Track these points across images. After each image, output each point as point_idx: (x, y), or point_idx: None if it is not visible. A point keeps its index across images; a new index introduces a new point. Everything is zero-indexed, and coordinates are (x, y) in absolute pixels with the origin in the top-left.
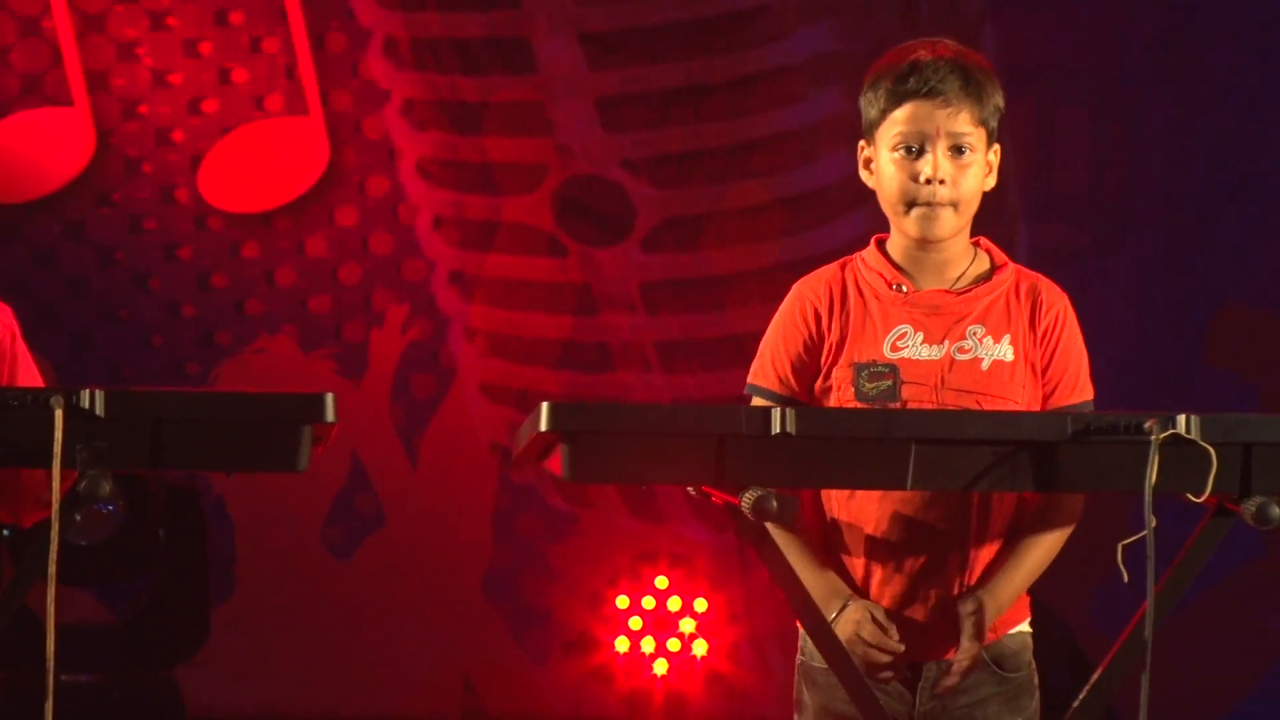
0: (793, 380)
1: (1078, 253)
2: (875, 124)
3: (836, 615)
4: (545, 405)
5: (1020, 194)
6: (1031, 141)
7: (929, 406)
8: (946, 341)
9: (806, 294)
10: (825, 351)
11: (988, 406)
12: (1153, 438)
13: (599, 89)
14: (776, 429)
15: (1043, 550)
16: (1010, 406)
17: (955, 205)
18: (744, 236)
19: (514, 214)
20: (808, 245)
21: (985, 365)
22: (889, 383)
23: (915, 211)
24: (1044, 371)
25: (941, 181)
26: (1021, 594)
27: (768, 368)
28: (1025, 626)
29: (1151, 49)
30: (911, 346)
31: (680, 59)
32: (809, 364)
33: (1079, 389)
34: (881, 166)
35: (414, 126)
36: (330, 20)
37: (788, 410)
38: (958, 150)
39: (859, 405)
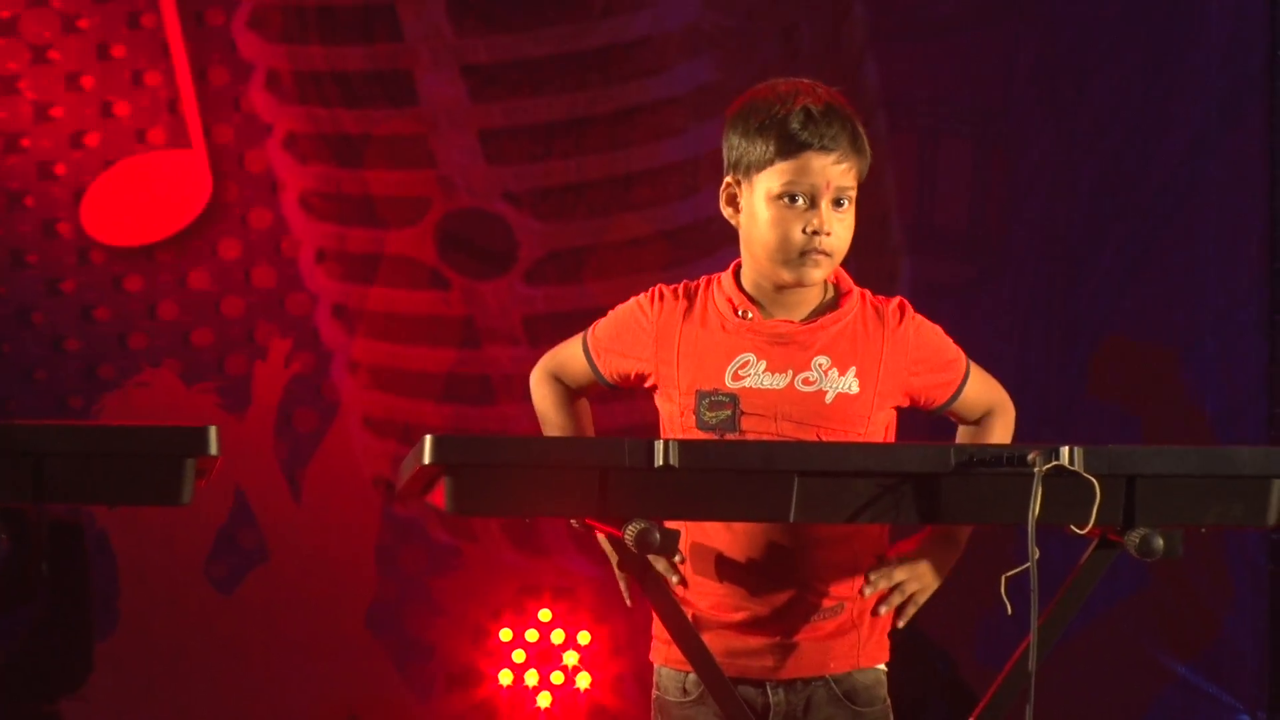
0: (602, 363)
1: (960, 286)
2: (755, 167)
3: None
4: (428, 438)
5: (902, 227)
6: (913, 174)
7: (768, 438)
8: (790, 372)
9: (651, 309)
10: (659, 373)
11: (828, 439)
12: (1036, 470)
13: (481, 122)
14: (659, 461)
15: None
16: (853, 440)
17: (833, 255)
18: (626, 269)
19: (397, 247)
20: (688, 278)
21: (829, 398)
22: (728, 412)
23: (799, 260)
24: (923, 384)
25: (827, 234)
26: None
27: (599, 333)
28: (882, 665)
29: (1033, 81)
30: (754, 375)
31: (562, 91)
32: (620, 364)
33: (957, 368)
34: (757, 210)
35: (296, 159)
36: (212, 54)
37: (670, 443)
38: (839, 202)
39: (700, 434)
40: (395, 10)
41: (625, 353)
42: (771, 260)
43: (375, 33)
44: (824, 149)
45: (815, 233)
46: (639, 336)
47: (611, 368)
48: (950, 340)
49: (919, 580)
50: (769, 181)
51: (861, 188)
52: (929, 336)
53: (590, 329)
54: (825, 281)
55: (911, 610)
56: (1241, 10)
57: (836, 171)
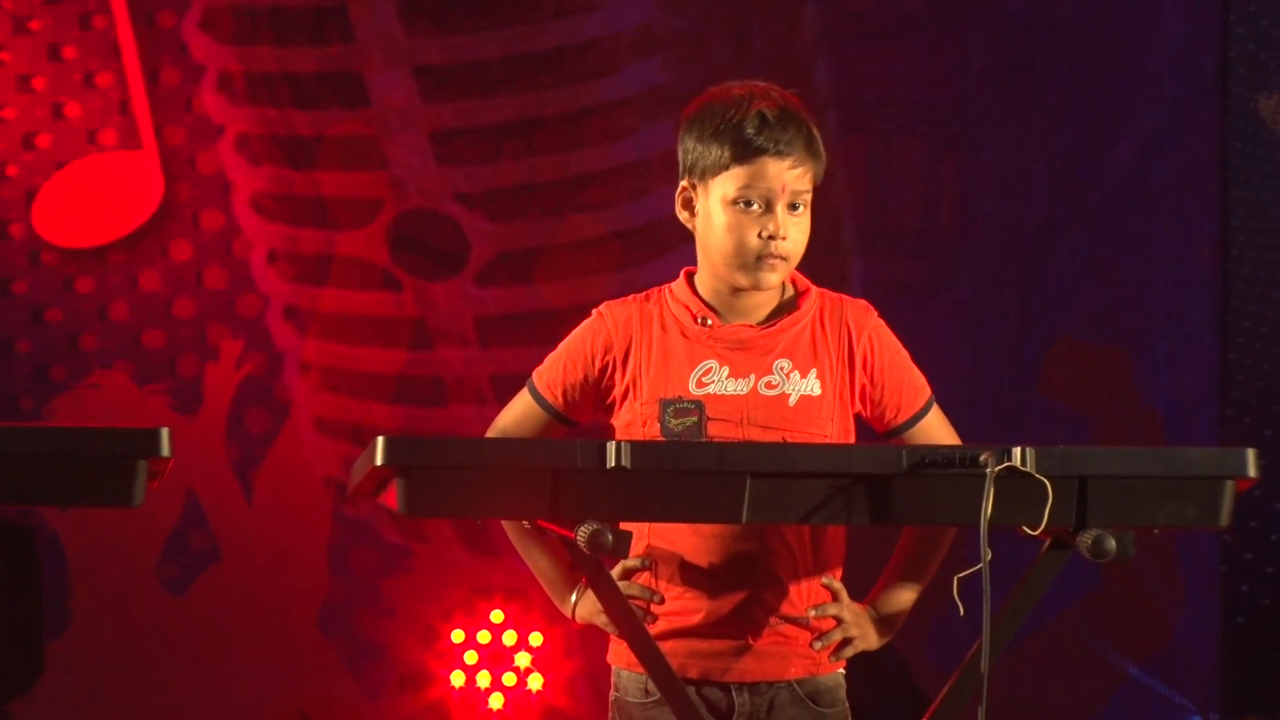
0: (560, 398)
1: (912, 286)
2: (711, 171)
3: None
4: (380, 440)
5: (854, 228)
6: (865, 175)
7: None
8: (753, 376)
9: (606, 324)
10: (621, 387)
11: (793, 442)
12: (988, 470)
13: (432, 123)
14: (611, 463)
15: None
16: (818, 441)
17: (789, 260)
18: (577, 270)
19: (348, 248)
20: (641, 279)
21: (793, 401)
22: (694, 419)
23: (757, 264)
24: (868, 396)
25: (783, 238)
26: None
27: (545, 375)
28: (841, 670)
29: (986, 83)
30: (717, 382)
31: (513, 93)
32: (581, 392)
33: (918, 394)
34: (712, 214)
35: (248, 161)
36: (164, 55)
37: (622, 444)
38: (794, 206)
39: (658, 441)
40: (346, 11)
41: (585, 372)
42: (728, 265)
43: (326, 34)
44: (779, 154)
45: (771, 237)
46: (596, 352)
47: (570, 397)
48: (917, 368)
49: (859, 629)
50: (724, 186)
51: (815, 189)
52: (891, 343)
53: (531, 380)
54: (782, 283)
55: (848, 652)
56: (1194, 13)
57: (792, 176)
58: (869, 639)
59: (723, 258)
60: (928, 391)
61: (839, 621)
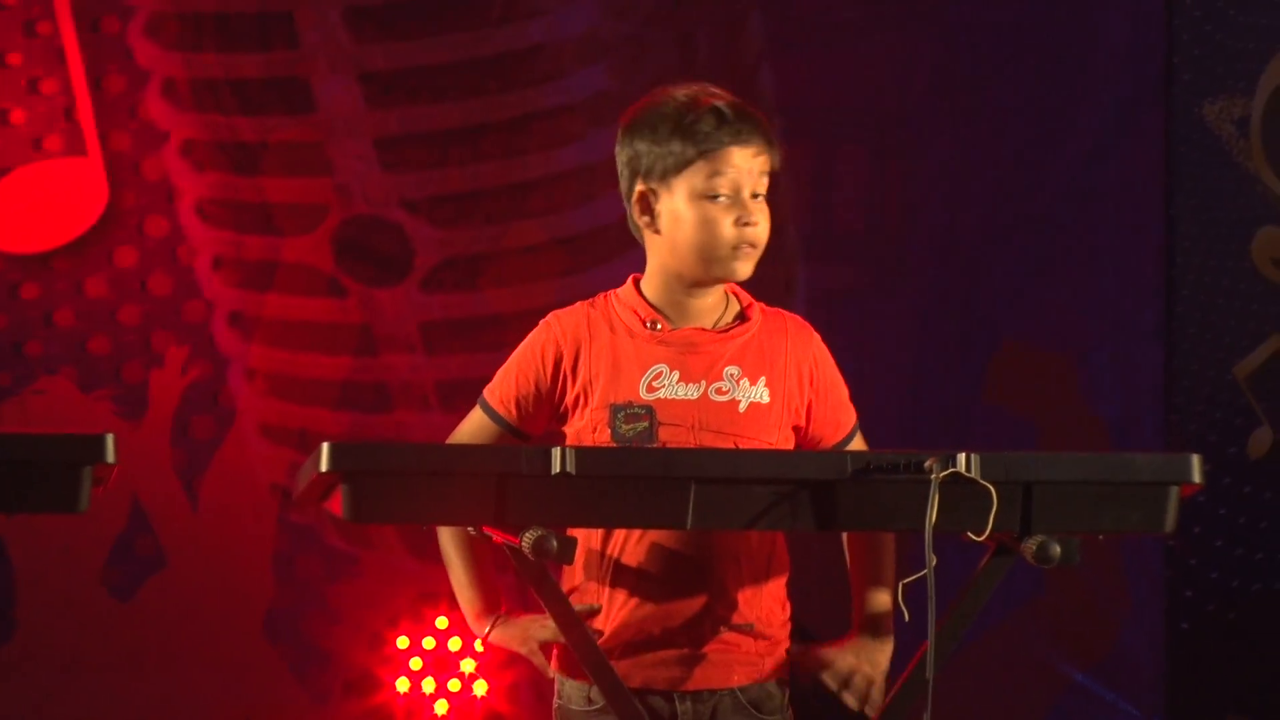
0: (514, 410)
1: (856, 292)
2: (673, 170)
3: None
4: (326, 445)
5: (799, 234)
6: (810, 181)
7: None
8: (704, 381)
9: (554, 334)
10: (573, 394)
11: (744, 448)
12: (933, 476)
13: (378, 129)
14: (556, 468)
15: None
16: (767, 448)
17: (759, 248)
18: (522, 276)
19: (293, 254)
20: (586, 285)
21: (743, 407)
22: (645, 424)
23: (735, 254)
24: (811, 412)
25: (754, 224)
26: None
27: (500, 390)
28: (785, 677)
29: (930, 88)
30: (668, 386)
31: (458, 99)
32: (535, 402)
33: (849, 418)
34: (680, 212)
35: (193, 167)
36: (109, 62)
37: (568, 450)
38: (757, 195)
39: (603, 447)
40: (292, 18)
41: (538, 382)
42: (702, 259)
43: (272, 40)
44: (742, 143)
45: (746, 224)
46: (547, 361)
47: (524, 409)
48: (846, 391)
49: (868, 661)
50: (691, 181)
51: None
52: (831, 364)
53: (482, 396)
54: (726, 294)
55: (875, 693)
56: (1139, 19)
57: (756, 164)
58: (877, 661)
59: (696, 253)
60: (855, 417)
61: (851, 674)
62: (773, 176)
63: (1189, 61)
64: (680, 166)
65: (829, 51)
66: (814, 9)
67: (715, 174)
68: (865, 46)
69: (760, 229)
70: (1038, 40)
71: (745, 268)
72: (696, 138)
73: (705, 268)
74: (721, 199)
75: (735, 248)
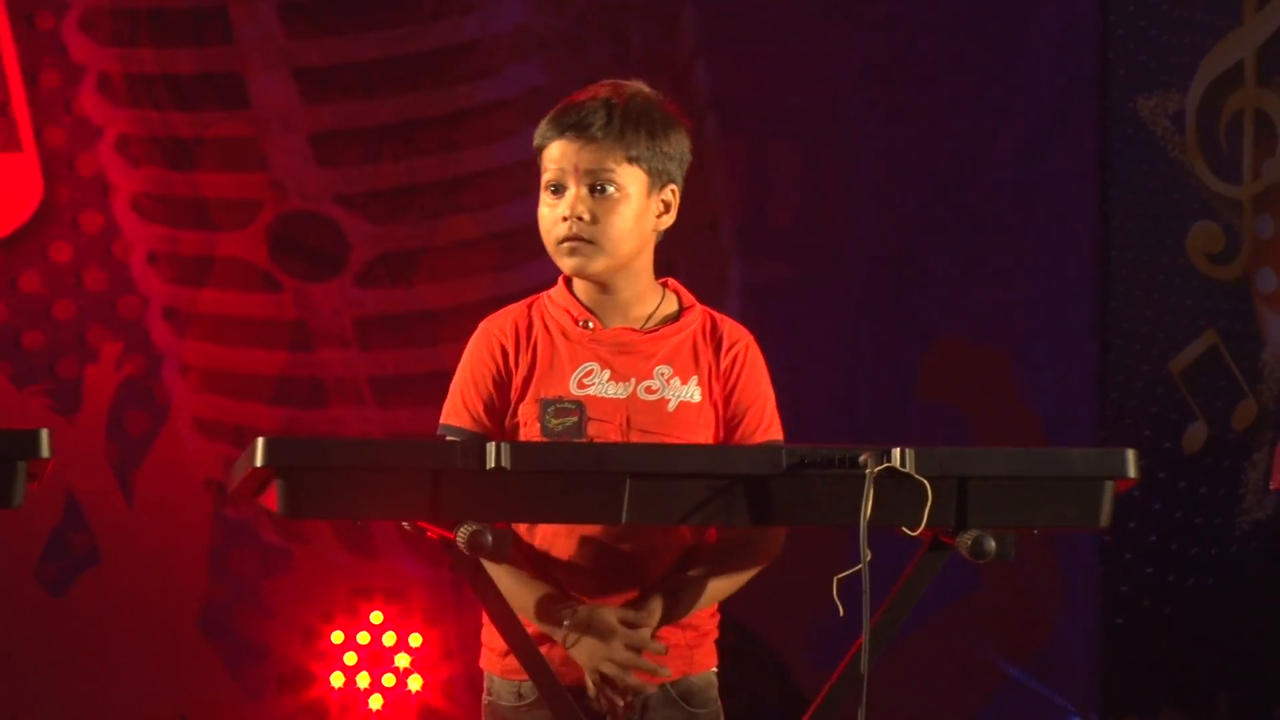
0: (485, 418)
1: (791, 287)
2: (536, 165)
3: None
4: (260, 440)
5: (733, 230)
6: (744, 177)
7: None
8: (633, 380)
9: (493, 331)
10: (513, 388)
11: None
12: (868, 471)
13: (312, 124)
14: (491, 463)
15: (730, 584)
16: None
17: (597, 242)
18: (457, 271)
19: (228, 249)
20: (520, 280)
21: (672, 406)
22: (574, 419)
23: (561, 249)
24: (726, 408)
25: (580, 218)
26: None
27: (460, 406)
28: (713, 668)
29: (864, 84)
30: (598, 384)
31: (393, 94)
32: (499, 400)
33: (766, 427)
34: (539, 205)
35: (128, 162)
36: (43, 57)
37: (502, 445)
38: (600, 188)
39: (538, 441)
40: (227, 13)
41: (495, 380)
42: (550, 254)
43: (206, 35)
44: (572, 135)
45: (565, 219)
46: (496, 358)
47: (491, 414)
48: (776, 409)
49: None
50: (541, 176)
51: (688, 189)
52: (759, 368)
53: (444, 425)
54: (662, 289)
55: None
56: (1073, 14)
57: (585, 155)
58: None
59: (546, 247)
60: (779, 433)
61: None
62: (655, 173)
63: (1123, 57)
64: (536, 162)
65: (763, 47)
66: (748, 5)
67: (544, 169)
68: (799, 42)
69: (595, 226)
70: (972, 36)
71: (572, 262)
72: (536, 134)
73: (555, 262)
74: (547, 193)
75: (560, 242)
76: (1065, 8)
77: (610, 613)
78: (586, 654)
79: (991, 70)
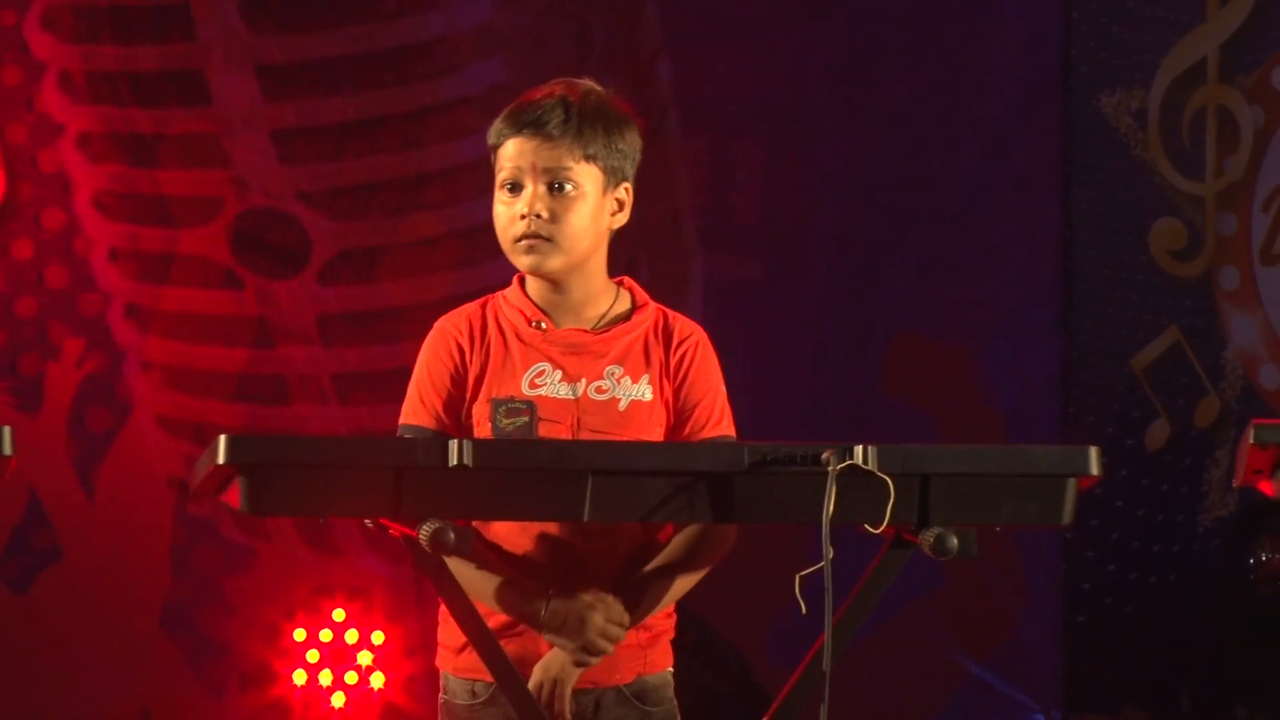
0: (444, 415)
1: (753, 285)
2: (493, 164)
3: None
4: (223, 438)
5: (695, 227)
6: (707, 174)
7: None
8: (584, 381)
9: (448, 329)
10: (467, 386)
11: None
12: (830, 468)
13: (274, 121)
14: (453, 461)
15: (682, 584)
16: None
17: (554, 240)
18: (419, 269)
19: (190, 247)
20: (482, 277)
21: (623, 405)
22: (526, 419)
23: (517, 247)
24: (676, 403)
25: (538, 216)
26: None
27: (419, 405)
28: (668, 668)
29: (827, 81)
30: (549, 385)
31: (356, 91)
32: (458, 397)
33: (715, 422)
34: (494, 204)
35: (90, 159)
36: (4, 54)
37: (464, 442)
38: (558, 186)
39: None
40: (189, 10)
41: (453, 376)
42: (506, 252)
43: (168, 33)
44: (529, 134)
45: (522, 216)
46: (453, 354)
47: (450, 411)
48: (729, 405)
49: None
50: (496, 172)
51: (651, 187)
52: (710, 363)
53: (404, 425)
54: (616, 288)
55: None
56: (1036, 12)
57: (542, 153)
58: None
59: (501, 245)
60: (730, 429)
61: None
62: (610, 171)
63: (1086, 54)
64: (492, 162)
65: (726, 44)
66: (711, 2)
67: (500, 167)
68: (762, 39)
69: (554, 225)
70: (935, 33)
71: (529, 260)
72: (491, 133)
73: (512, 261)
74: (504, 191)
75: (517, 240)
76: (1028, 5)
77: (586, 594)
78: (565, 634)
79: (954, 67)
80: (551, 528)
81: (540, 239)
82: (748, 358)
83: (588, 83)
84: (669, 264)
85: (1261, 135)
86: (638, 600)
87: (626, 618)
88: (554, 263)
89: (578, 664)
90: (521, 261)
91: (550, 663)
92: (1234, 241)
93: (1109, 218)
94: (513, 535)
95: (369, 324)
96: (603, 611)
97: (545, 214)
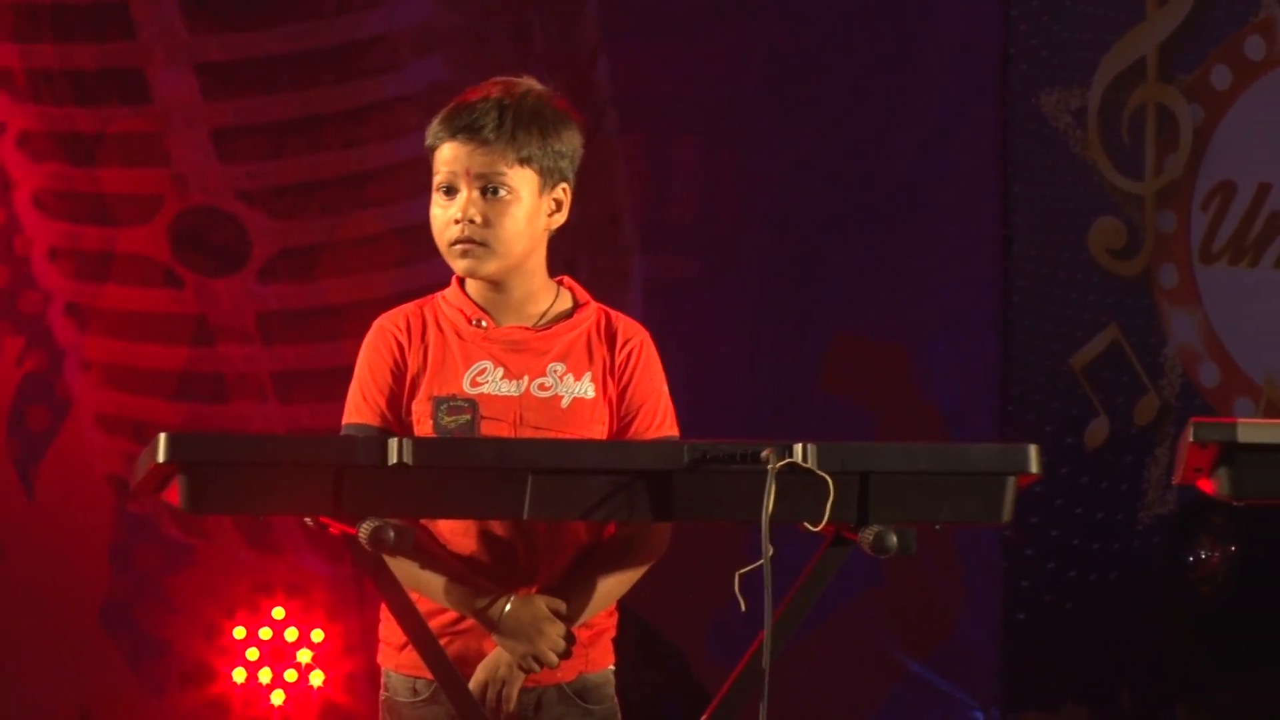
0: (388, 412)
1: (691, 283)
2: (430, 168)
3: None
4: (163, 436)
5: (634, 225)
6: (645, 172)
7: None
8: (526, 378)
9: (388, 327)
10: (407, 383)
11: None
12: (770, 466)
13: (214, 120)
14: (393, 459)
15: (619, 585)
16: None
17: (489, 245)
18: (359, 267)
19: (130, 245)
20: (423, 275)
21: (565, 403)
22: (468, 417)
23: (453, 250)
24: (621, 404)
25: (472, 221)
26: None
27: (362, 403)
28: (610, 666)
29: (765, 80)
30: (491, 382)
31: (295, 90)
32: (399, 394)
33: (659, 423)
34: (431, 206)
35: (29, 158)
36: None
37: (404, 440)
38: (492, 190)
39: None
40: (128, 9)
41: (394, 374)
42: (443, 255)
43: (108, 31)
44: (464, 138)
45: (456, 221)
46: (393, 352)
47: (394, 408)
48: (672, 405)
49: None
50: (433, 175)
51: (590, 186)
52: (653, 364)
53: (347, 424)
54: (557, 286)
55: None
56: (975, 9)
57: (476, 158)
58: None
59: (439, 248)
60: (674, 429)
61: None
62: (546, 172)
63: (1025, 52)
64: (430, 164)
65: (664, 43)
66: (651, 1)
67: (436, 170)
68: (700, 38)
69: (488, 229)
70: (873, 31)
71: (465, 264)
72: (429, 133)
73: (449, 264)
74: (439, 194)
75: (452, 244)
76: (966, 3)
77: (542, 601)
78: (519, 639)
79: (893, 65)
80: (496, 525)
81: (474, 243)
82: (687, 356)
83: (527, 82)
84: (608, 262)
85: (1201, 134)
86: (578, 599)
87: (574, 635)
88: (489, 267)
89: (523, 669)
90: (457, 265)
91: (496, 663)
92: (1173, 240)
93: (1048, 216)
94: (458, 533)
95: (309, 322)
96: (559, 626)
97: (479, 219)
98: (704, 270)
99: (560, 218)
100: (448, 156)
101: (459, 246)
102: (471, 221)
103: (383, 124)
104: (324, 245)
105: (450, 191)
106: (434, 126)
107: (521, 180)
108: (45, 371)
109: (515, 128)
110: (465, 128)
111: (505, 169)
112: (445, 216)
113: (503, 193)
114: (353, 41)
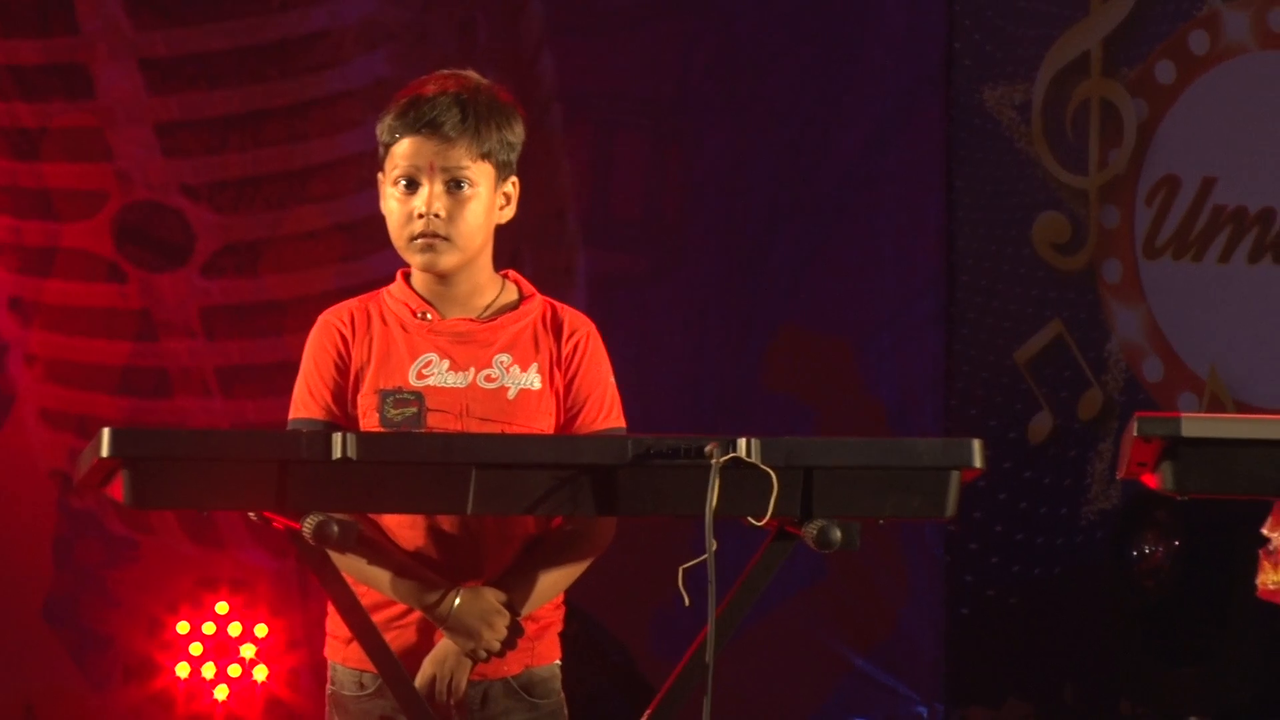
0: (334, 406)
1: (635, 278)
2: (383, 156)
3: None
4: (106, 431)
5: (578, 220)
6: (590, 167)
7: None
8: (472, 369)
9: (332, 321)
10: (351, 377)
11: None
12: (713, 461)
13: (158, 115)
14: (337, 454)
15: (562, 579)
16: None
17: (452, 239)
18: (303, 262)
19: (73, 240)
20: (366, 270)
21: (512, 394)
22: (414, 410)
23: (414, 245)
24: (567, 396)
25: (437, 215)
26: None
27: (309, 398)
28: (556, 660)
29: (709, 75)
30: (437, 374)
31: (239, 85)
32: (345, 388)
33: (605, 415)
34: (386, 200)
35: None
36: None
37: (349, 435)
38: (455, 185)
39: (384, 432)
40: (72, 3)
41: (338, 369)
42: (399, 248)
43: (51, 26)
44: (428, 132)
45: (421, 215)
46: (338, 346)
47: (339, 403)
48: (619, 398)
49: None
50: (389, 169)
51: (535, 180)
52: (599, 356)
53: (294, 419)
54: (502, 280)
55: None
56: (919, 4)
57: (442, 153)
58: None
59: (394, 242)
60: (621, 421)
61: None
62: (501, 166)
63: (970, 47)
64: (385, 154)
65: (609, 38)
66: None
67: (394, 165)
68: (645, 33)
69: (451, 223)
70: (817, 26)
71: (424, 258)
72: (383, 129)
73: (405, 258)
74: (398, 189)
75: (413, 238)
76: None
77: (490, 594)
78: (468, 632)
79: (837, 61)
80: (443, 519)
81: (438, 238)
82: (631, 351)
83: (474, 76)
84: (553, 257)
85: (1144, 128)
86: (519, 591)
87: (521, 627)
88: (449, 260)
89: (471, 659)
90: (416, 259)
91: (444, 654)
92: (1117, 234)
93: (991, 211)
94: (405, 525)
95: (252, 317)
96: (507, 617)
97: (443, 213)
98: (648, 265)
99: (510, 211)
100: (409, 151)
101: (420, 240)
102: (436, 216)
103: (326, 119)
104: (267, 240)
105: (411, 185)
106: (389, 121)
107: (481, 175)
108: None
109: (478, 123)
110: (428, 123)
111: (469, 164)
112: (405, 210)
113: (466, 187)
114: (296, 37)
